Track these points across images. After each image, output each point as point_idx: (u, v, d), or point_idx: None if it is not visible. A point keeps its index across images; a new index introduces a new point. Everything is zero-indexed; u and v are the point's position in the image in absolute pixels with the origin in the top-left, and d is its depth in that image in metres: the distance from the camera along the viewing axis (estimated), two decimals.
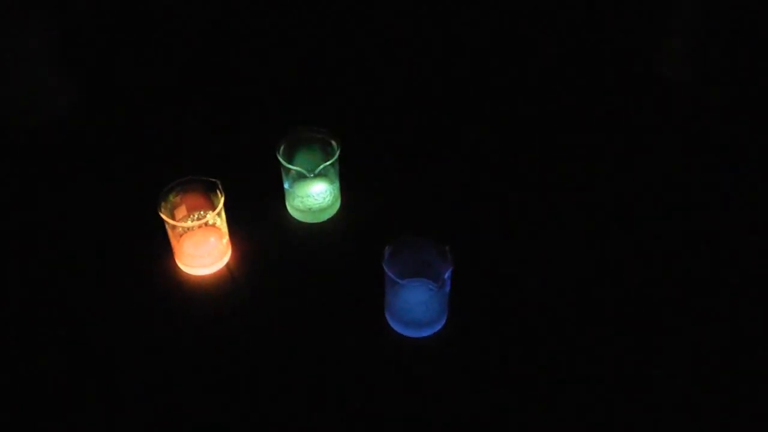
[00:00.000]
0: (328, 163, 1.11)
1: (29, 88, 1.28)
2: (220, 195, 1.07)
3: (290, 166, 1.12)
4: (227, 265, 1.12)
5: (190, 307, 1.07)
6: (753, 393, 0.98)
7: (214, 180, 1.08)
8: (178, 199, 1.09)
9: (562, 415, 0.96)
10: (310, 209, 1.16)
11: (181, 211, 1.10)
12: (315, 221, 1.17)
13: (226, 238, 1.11)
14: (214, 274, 1.11)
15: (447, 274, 0.97)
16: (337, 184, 1.16)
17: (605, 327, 1.04)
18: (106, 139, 1.30)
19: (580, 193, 1.21)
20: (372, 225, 1.16)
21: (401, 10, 1.50)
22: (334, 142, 1.13)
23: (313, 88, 1.39)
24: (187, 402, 0.98)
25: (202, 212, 1.11)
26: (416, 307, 1.01)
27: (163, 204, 1.06)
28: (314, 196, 1.15)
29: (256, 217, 1.17)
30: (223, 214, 1.09)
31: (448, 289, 1.00)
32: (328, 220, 1.18)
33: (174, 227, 1.08)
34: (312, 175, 1.12)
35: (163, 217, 1.06)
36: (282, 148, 1.12)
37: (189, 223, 1.10)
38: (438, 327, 1.03)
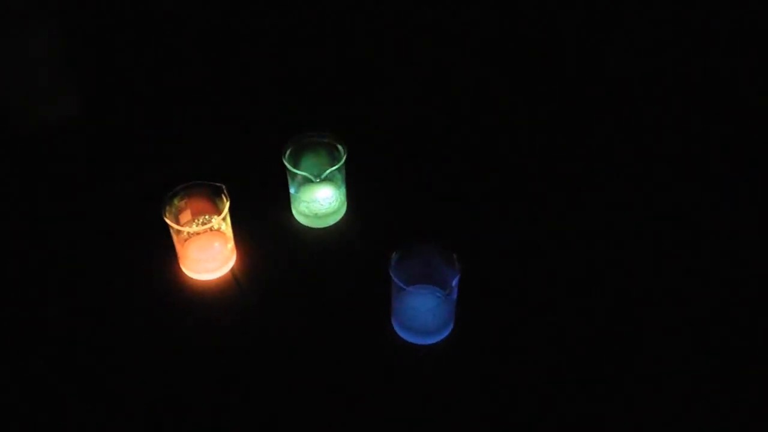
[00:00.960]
0: (334, 167, 1.11)
1: (33, 90, 1.28)
2: (225, 199, 1.07)
3: (296, 171, 1.11)
4: (232, 270, 1.11)
5: (194, 312, 1.06)
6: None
7: (219, 184, 1.07)
8: (183, 203, 1.08)
9: (569, 423, 0.95)
10: (316, 214, 1.15)
11: (186, 216, 1.10)
12: (321, 226, 1.16)
13: (231, 243, 1.11)
14: (219, 279, 1.10)
15: (455, 281, 0.96)
16: (343, 189, 1.15)
17: (614, 335, 1.03)
18: (112, 142, 1.30)
19: (591, 199, 1.20)
20: (378, 230, 1.15)
21: (409, 12, 1.50)
22: (340, 147, 1.12)
23: (319, 92, 1.39)
24: (193, 407, 0.97)
25: (207, 217, 1.11)
26: (423, 314, 1.00)
27: (167, 208, 1.06)
28: (320, 201, 1.14)
29: (262, 222, 1.17)
30: (228, 218, 1.08)
31: (455, 296, 0.99)
32: (334, 225, 1.17)
33: (179, 232, 1.07)
34: (318, 180, 1.11)
35: (168, 221, 1.05)
36: (288, 152, 1.12)
37: (194, 228, 1.10)
38: (445, 334, 1.02)
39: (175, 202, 1.07)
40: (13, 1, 1.23)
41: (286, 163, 1.11)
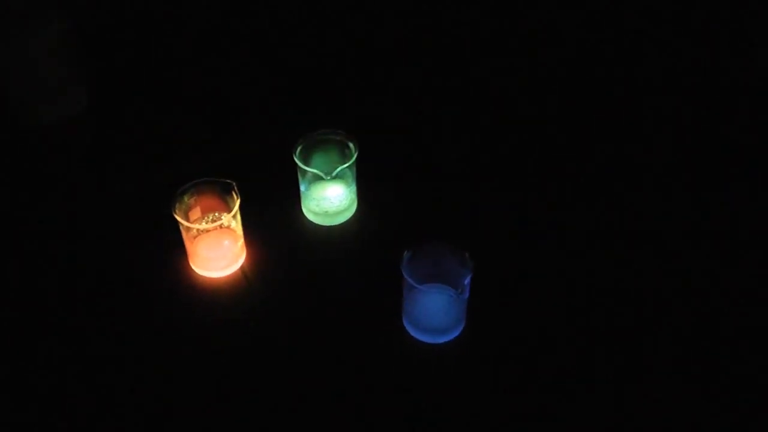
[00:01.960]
0: (345, 165, 1.10)
1: (41, 88, 1.27)
2: (235, 197, 1.06)
3: (307, 168, 1.11)
4: (242, 268, 1.10)
5: (204, 310, 1.06)
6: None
7: (229, 181, 1.07)
8: (192, 200, 1.08)
9: (581, 423, 0.94)
10: (326, 212, 1.14)
11: (196, 213, 1.09)
12: (331, 224, 1.16)
13: (241, 241, 1.10)
14: (229, 277, 1.09)
15: (467, 281, 0.95)
16: (354, 187, 1.15)
17: (627, 335, 1.02)
18: (121, 139, 1.29)
19: (602, 200, 1.19)
20: (389, 229, 1.15)
21: (424, 11, 1.49)
22: (351, 144, 1.11)
23: (330, 89, 1.38)
24: (204, 405, 0.96)
25: (216, 214, 1.10)
26: (435, 313, 1.00)
27: (177, 205, 1.05)
28: (331, 199, 1.14)
29: (272, 219, 1.16)
30: (238, 216, 1.07)
31: (467, 295, 0.98)
32: (345, 223, 1.16)
33: (188, 229, 1.06)
34: (329, 178, 1.10)
35: (177, 218, 1.04)
36: (299, 149, 1.11)
37: (204, 225, 1.09)
38: (456, 333, 1.02)
39: (185, 199, 1.07)
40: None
41: (296, 161, 1.10)
